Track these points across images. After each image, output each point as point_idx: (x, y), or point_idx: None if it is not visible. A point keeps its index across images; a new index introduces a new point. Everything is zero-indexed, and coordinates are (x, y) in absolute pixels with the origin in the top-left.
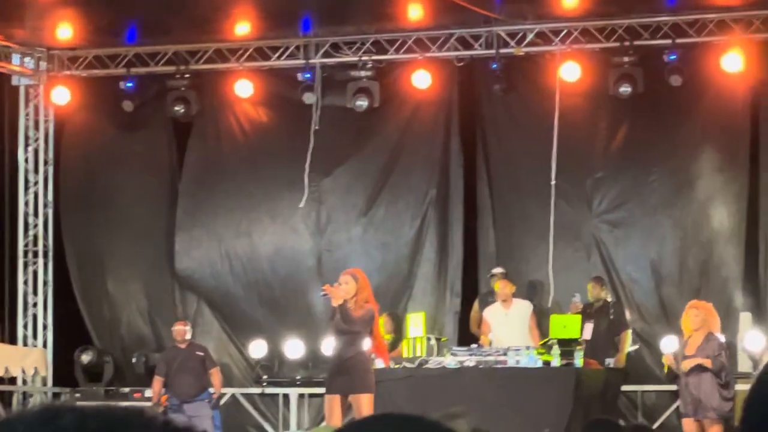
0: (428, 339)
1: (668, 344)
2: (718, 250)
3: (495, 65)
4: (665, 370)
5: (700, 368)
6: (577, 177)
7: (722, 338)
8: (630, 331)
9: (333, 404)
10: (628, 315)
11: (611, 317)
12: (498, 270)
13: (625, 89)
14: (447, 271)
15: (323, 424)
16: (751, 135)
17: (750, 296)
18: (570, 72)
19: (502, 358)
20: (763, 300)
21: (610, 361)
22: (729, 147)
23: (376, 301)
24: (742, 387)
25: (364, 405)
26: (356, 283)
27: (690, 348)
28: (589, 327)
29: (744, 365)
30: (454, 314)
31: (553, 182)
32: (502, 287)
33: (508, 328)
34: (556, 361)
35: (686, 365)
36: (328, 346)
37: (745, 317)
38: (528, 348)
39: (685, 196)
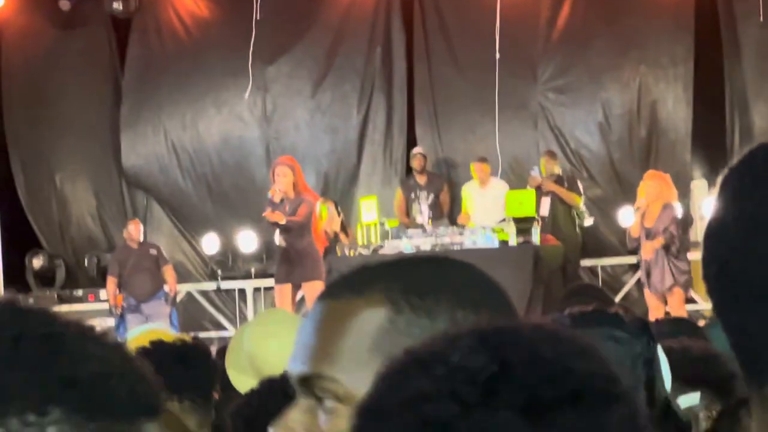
0: (382, 223)
1: (626, 216)
2: (666, 112)
3: None
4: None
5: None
6: (521, 48)
7: (678, 208)
8: (582, 198)
9: (284, 293)
10: (581, 186)
11: (562, 190)
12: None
13: None
14: (392, 152)
15: None
16: None
17: (703, 162)
18: None
19: (458, 239)
20: (723, 165)
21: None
22: (674, 8)
23: (323, 192)
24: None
25: (318, 292)
26: (293, 172)
27: (648, 220)
28: (546, 202)
29: (701, 234)
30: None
31: (497, 56)
32: (478, 169)
33: (485, 208)
34: (512, 240)
35: (647, 250)
36: (278, 237)
37: (700, 184)
38: (484, 227)
39: (632, 58)
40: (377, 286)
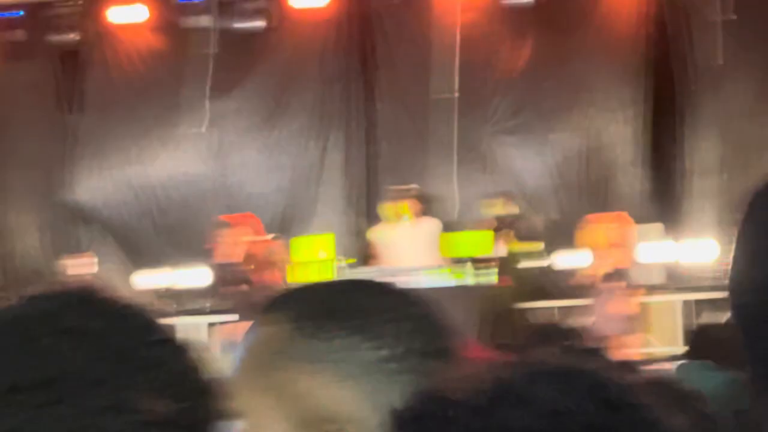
0: (336, 261)
1: (575, 258)
2: (616, 155)
3: None
4: (580, 283)
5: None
6: (473, 88)
7: (639, 253)
8: (540, 244)
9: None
10: (534, 232)
11: (509, 231)
12: (405, 187)
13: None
14: (348, 191)
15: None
16: (646, 38)
17: (657, 204)
18: None
19: (411, 278)
20: (675, 207)
21: None
22: (627, 51)
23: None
24: (654, 299)
25: None
26: (248, 230)
27: (610, 263)
28: (501, 243)
29: (651, 277)
30: (357, 234)
31: (456, 94)
32: (411, 205)
33: (415, 247)
34: (468, 280)
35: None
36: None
37: (655, 228)
38: (439, 267)
39: (582, 101)
40: (289, 308)
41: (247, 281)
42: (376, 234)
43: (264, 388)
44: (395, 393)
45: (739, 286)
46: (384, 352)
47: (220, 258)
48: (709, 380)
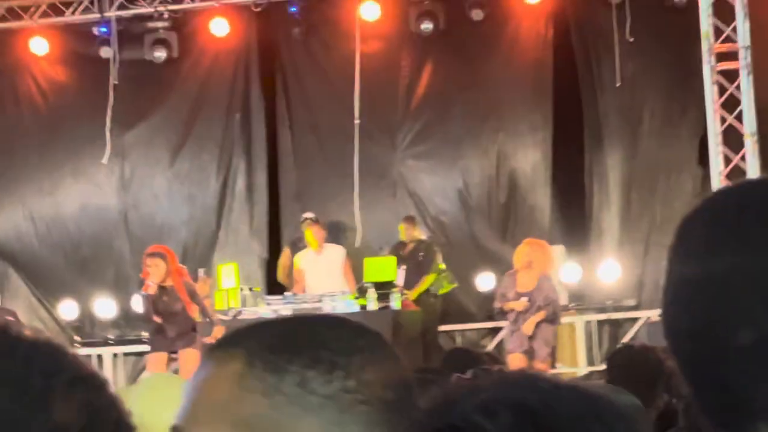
0: (241, 289)
1: (484, 281)
2: (525, 179)
3: (294, 9)
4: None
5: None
6: (381, 115)
7: (552, 279)
8: (433, 276)
9: (159, 361)
10: (440, 257)
11: (420, 258)
12: (309, 215)
13: (427, 26)
14: (253, 219)
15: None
16: (553, 62)
17: (562, 227)
18: (369, 12)
19: (317, 305)
20: (580, 228)
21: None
22: (533, 76)
23: (182, 260)
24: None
25: (192, 360)
26: (165, 261)
27: (520, 285)
28: (402, 270)
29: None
30: (262, 262)
31: (357, 121)
32: (314, 232)
33: (321, 274)
34: (372, 305)
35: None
36: (137, 303)
37: (558, 249)
38: (344, 293)
39: (490, 125)
40: (241, 344)
41: (172, 312)
42: (295, 260)
43: (219, 425)
44: (351, 426)
45: (674, 329)
46: (336, 384)
47: (147, 288)
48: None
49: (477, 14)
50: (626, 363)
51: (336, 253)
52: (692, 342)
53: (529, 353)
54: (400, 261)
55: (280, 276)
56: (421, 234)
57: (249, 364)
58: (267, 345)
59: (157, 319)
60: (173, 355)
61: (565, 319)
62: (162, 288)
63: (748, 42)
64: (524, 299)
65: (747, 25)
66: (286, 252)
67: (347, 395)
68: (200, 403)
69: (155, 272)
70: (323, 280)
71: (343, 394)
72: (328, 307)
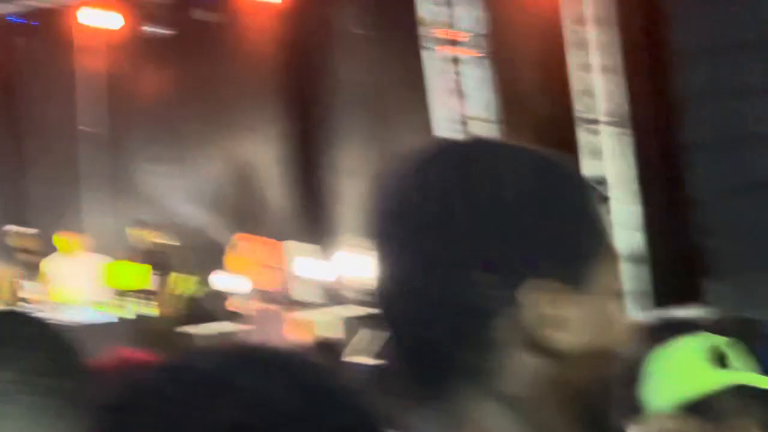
0: None
1: (221, 281)
2: (259, 175)
3: (13, 18)
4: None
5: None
6: (110, 120)
7: (293, 271)
8: (174, 277)
9: None
10: (178, 259)
11: (158, 261)
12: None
13: (154, 29)
14: None
15: None
16: (285, 57)
17: (298, 223)
18: (92, 16)
19: (57, 315)
20: (327, 223)
21: None
22: (263, 73)
23: None
24: (313, 316)
25: None
26: None
27: (259, 284)
28: (155, 274)
29: (298, 293)
30: None
31: (83, 127)
32: (67, 238)
33: (74, 281)
34: (129, 313)
35: (258, 307)
36: None
37: (294, 244)
38: (99, 301)
39: (222, 126)
40: None
41: None
42: (48, 266)
43: None
44: (14, 414)
45: (384, 293)
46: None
47: None
48: None
49: (204, 15)
50: None
51: (87, 260)
52: (398, 305)
53: None
54: (151, 266)
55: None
56: (156, 237)
57: None
58: None
59: None
60: None
61: (320, 315)
62: None
63: (476, 28)
64: (262, 297)
65: (475, 12)
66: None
67: (5, 385)
68: None
69: None
70: (77, 287)
71: (6, 385)
72: (76, 318)
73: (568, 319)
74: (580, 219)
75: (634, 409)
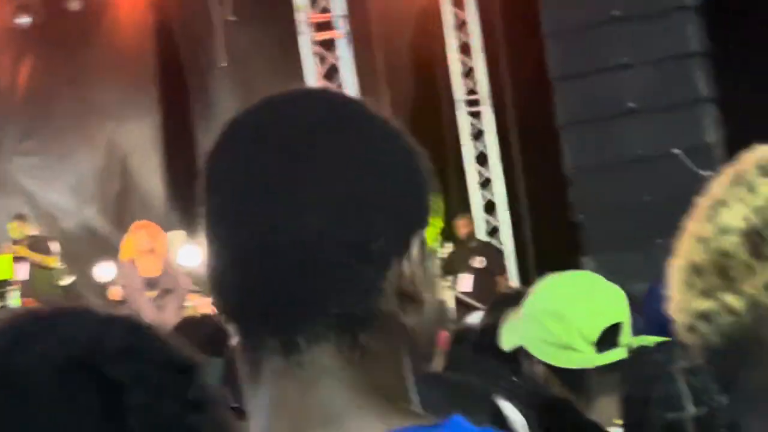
0: None
1: (104, 271)
2: (137, 166)
3: None
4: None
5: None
6: None
7: (169, 258)
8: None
9: None
10: (54, 247)
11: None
12: None
13: (24, 20)
14: None
15: None
16: (158, 48)
17: (178, 211)
18: None
19: None
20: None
21: None
22: (136, 63)
23: None
24: (192, 303)
25: None
26: None
27: (144, 271)
28: (23, 266)
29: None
30: None
31: None
32: None
33: None
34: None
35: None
36: None
37: (177, 234)
38: None
39: (98, 115)
40: None
41: None
42: None
43: None
44: None
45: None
46: None
47: None
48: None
49: (74, 5)
50: (191, 332)
51: None
52: (253, 253)
53: None
54: (17, 259)
55: None
56: (34, 230)
57: None
58: None
59: None
60: None
61: (197, 302)
62: None
63: (345, 11)
64: (146, 285)
65: None
66: None
67: None
68: None
69: None
70: None
71: None
72: None
73: (427, 274)
74: (416, 181)
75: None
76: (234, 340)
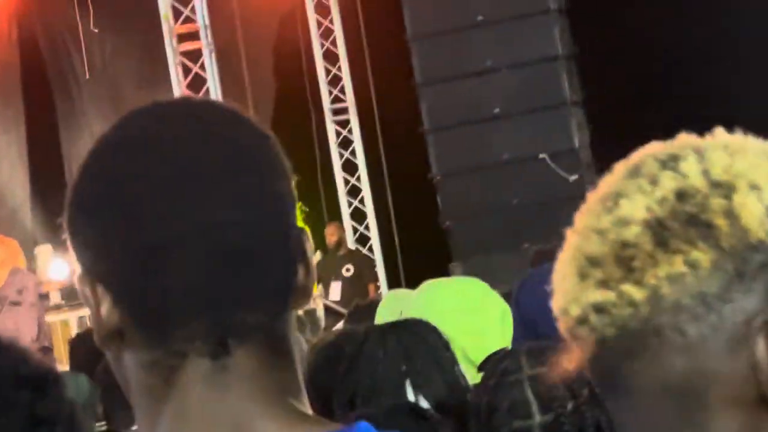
0: None
1: None
2: (3, 180)
3: None
4: None
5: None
6: None
7: (30, 271)
8: None
9: None
10: None
11: None
12: None
13: None
14: None
15: None
16: (22, 62)
17: (45, 226)
18: None
19: None
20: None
21: None
22: (0, 78)
23: None
24: (53, 318)
25: None
26: None
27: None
28: None
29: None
30: None
31: None
32: None
33: None
34: None
35: None
36: None
37: (44, 249)
38: None
39: None
40: None
41: None
42: None
43: None
44: None
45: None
46: None
47: None
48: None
49: None
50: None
51: None
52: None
53: None
54: None
55: None
56: None
57: None
58: None
59: None
60: None
61: (58, 317)
62: None
63: (207, 21)
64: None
65: (205, 4)
66: None
67: None
68: None
69: None
70: None
71: None
72: None
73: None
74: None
75: None
76: (127, 354)
